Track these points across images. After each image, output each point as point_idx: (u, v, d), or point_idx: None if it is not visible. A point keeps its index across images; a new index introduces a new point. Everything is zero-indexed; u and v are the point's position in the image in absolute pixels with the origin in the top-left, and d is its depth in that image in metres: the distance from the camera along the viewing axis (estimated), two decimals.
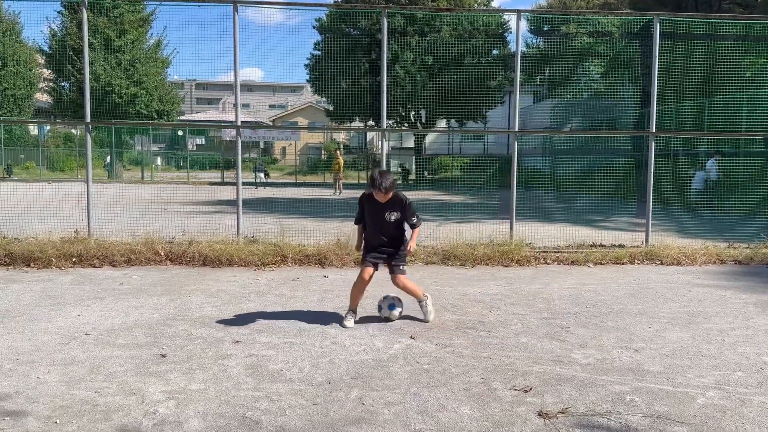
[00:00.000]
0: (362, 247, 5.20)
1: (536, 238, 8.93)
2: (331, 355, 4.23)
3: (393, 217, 4.98)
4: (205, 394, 3.52)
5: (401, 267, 5.12)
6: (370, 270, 5.03)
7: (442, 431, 3.10)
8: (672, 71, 13.03)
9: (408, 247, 5.06)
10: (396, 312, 5.17)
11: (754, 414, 3.35)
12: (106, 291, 6.08)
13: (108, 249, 7.56)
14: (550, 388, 3.68)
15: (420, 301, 5.20)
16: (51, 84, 31.91)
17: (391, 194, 4.90)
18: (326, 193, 22.04)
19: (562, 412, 3.32)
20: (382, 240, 5.05)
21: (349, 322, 5.01)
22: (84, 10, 8.26)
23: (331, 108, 32.75)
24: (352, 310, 5.13)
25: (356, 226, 5.27)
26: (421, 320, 5.15)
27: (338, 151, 25.82)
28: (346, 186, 23.90)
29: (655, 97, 8.78)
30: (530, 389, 3.65)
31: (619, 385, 3.75)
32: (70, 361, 4.02)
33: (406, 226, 5.12)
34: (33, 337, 4.53)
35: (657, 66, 8.75)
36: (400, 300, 5.23)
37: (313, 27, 30.57)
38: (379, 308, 5.20)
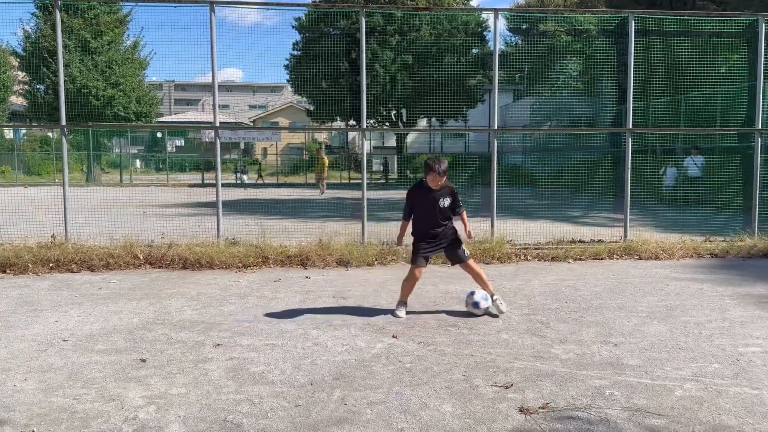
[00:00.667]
0: (412, 241, 5.34)
1: (517, 235, 8.99)
2: (313, 356, 4.22)
3: (447, 202, 5.23)
4: (186, 398, 3.50)
5: (466, 252, 5.39)
6: (423, 267, 5.31)
7: (424, 429, 3.11)
8: (648, 68, 13.18)
9: (468, 231, 5.37)
10: (488, 303, 5.32)
11: (730, 405, 3.41)
12: (85, 296, 6.00)
13: (86, 253, 7.46)
14: (530, 383, 3.71)
15: (492, 295, 5.36)
16: (26, 87, 31.37)
17: (442, 182, 5.16)
18: (307, 193, 21.97)
19: (543, 408, 3.35)
20: (437, 230, 5.25)
21: (402, 312, 5.29)
22: (58, 12, 8.14)
23: (311, 108, 32.68)
24: (404, 302, 5.37)
25: (402, 222, 5.39)
26: (494, 314, 5.33)
27: (321, 151, 25.70)
28: (328, 186, 23.82)
29: (632, 93, 8.89)
30: (511, 385, 3.68)
31: (599, 379, 3.79)
32: (48, 368, 3.97)
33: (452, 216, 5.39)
34: (9, 345, 4.46)
35: (633, 63, 8.86)
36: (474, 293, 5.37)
37: (293, 27, 30.51)
38: (475, 305, 5.30)
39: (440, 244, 5.30)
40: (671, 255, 8.26)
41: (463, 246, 5.40)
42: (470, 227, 5.42)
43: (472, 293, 5.32)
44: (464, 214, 5.42)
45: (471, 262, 5.37)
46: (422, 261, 5.28)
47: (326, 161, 23.60)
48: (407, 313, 5.36)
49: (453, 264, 5.55)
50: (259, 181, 31.66)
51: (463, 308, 5.53)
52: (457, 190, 5.34)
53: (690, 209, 13.92)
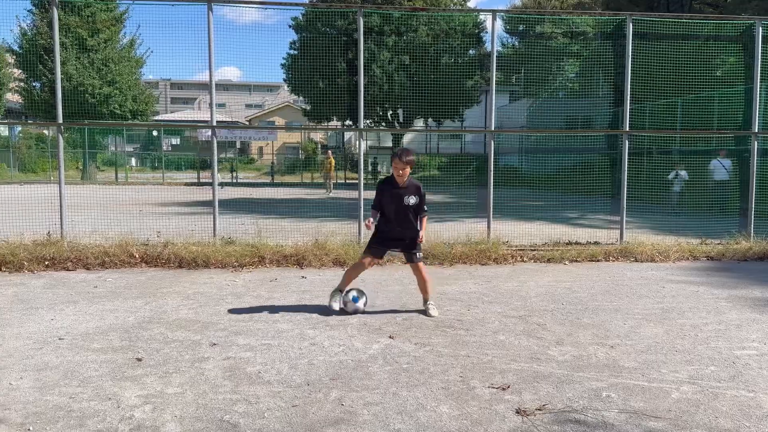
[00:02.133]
0: (370, 237, 5.39)
1: (513, 237, 9.00)
2: (309, 357, 4.21)
3: (412, 201, 5.20)
4: (182, 397, 3.48)
5: (419, 254, 5.34)
6: (374, 259, 5.33)
7: (421, 430, 3.11)
8: (645, 70, 13.21)
9: (420, 236, 5.28)
10: (360, 304, 5.34)
11: (726, 407, 3.41)
12: (80, 294, 5.98)
13: (82, 252, 7.44)
14: (527, 385, 3.71)
15: (426, 301, 5.39)
16: (22, 84, 31.21)
17: (409, 171, 5.17)
18: (304, 193, 21.96)
19: (540, 409, 3.35)
20: (399, 227, 5.24)
21: (336, 304, 5.27)
22: (54, 9, 8.10)
23: (308, 107, 32.62)
24: (340, 290, 5.33)
25: (372, 211, 5.37)
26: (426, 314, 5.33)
27: (330, 152, 26.12)
28: (322, 185, 24.01)
29: (629, 96, 8.91)
30: (508, 387, 3.68)
31: (596, 381, 3.79)
32: (43, 367, 3.95)
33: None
34: (4, 343, 4.43)
35: (630, 65, 8.88)
36: (362, 291, 5.45)
37: (290, 26, 30.44)
38: (344, 303, 5.33)
39: (399, 242, 5.32)
40: (667, 257, 8.28)
41: (420, 249, 5.39)
42: (423, 234, 5.35)
43: (347, 293, 5.37)
44: (425, 219, 5.39)
45: (422, 265, 5.37)
46: (377, 252, 5.33)
47: (333, 161, 24.04)
48: (404, 311, 5.36)
49: (405, 262, 5.59)
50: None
51: (458, 308, 5.54)
52: (425, 191, 5.33)
53: (691, 213, 13.94)
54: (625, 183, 8.94)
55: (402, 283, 6.66)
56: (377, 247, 5.36)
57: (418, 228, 5.32)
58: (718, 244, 8.92)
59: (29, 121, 33.77)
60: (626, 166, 8.93)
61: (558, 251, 8.31)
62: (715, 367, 4.08)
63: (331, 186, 23.08)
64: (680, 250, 8.49)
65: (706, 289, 6.54)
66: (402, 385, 3.70)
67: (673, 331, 4.91)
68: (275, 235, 8.44)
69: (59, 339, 4.54)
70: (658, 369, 4.02)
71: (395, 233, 5.29)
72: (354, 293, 5.39)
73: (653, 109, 17.89)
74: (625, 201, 8.97)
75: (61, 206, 8.11)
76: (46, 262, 7.21)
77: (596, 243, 8.87)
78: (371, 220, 5.28)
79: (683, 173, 15.49)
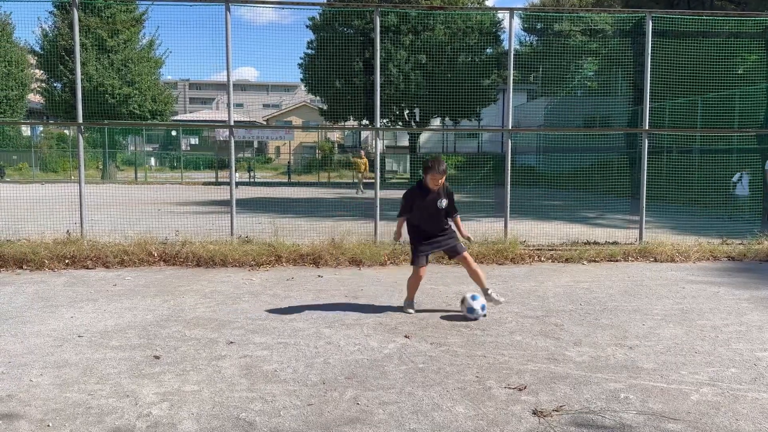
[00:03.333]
0: (411, 240, 5.45)
1: (531, 236, 8.94)
2: (325, 355, 4.22)
3: (444, 203, 5.34)
4: (199, 395, 3.51)
5: (461, 245, 5.48)
6: (425, 266, 5.43)
7: (436, 430, 3.10)
8: (665, 68, 13.05)
9: (463, 233, 5.50)
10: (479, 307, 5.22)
11: (747, 410, 3.36)
12: (99, 292, 6.05)
13: (101, 250, 7.53)
14: (544, 386, 3.69)
15: (487, 291, 5.44)
16: (43, 85, 31.69)
17: (442, 182, 5.32)
18: (320, 193, 22.01)
19: (557, 410, 3.32)
20: (436, 230, 5.40)
21: (411, 310, 5.44)
22: (75, 10, 8.21)
23: (325, 107, 32.70)
24: (411, 300, 5.50)
25: (399, 219, 5.52)
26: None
27: (362, 152, 25.87)
28: (344, 185, 23.92)
29: (648, 94, 8.80)
30: (525, 387, 3.65)
31: (614, 382, 3.75)
32: (63, 364, 4.00)
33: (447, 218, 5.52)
34: (25, 340, 4.50)
35: (650, 63, 8.78)
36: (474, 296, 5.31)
37: (307, 26, 30.53)
38: (471, 310, 5.20)
39: (440, 242, 5.44)
40: (687, 257, 8.17)
41: (460, 240, 5.52)
42: (466, 231, 5.55)
43: (463, 299, 5.28)
44: (458, 218, 5.54)
45: (467, 255, 5.48)
46: (423, 260, 5.41)
47: (366, 162, 23.93)
48: (418, 311, 5.36)
49: (450, 258, 5.68)
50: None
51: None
52: (453, 190, 5.47)
53: (708, 212, 13.72)
54: (645, 182, 8.84)
55: None
56: (425, 251, 5.43)
57: (452, 227, 5.51)
58: (740, 244, 8.78)
59: (50, 122, 34.26)
60: (646, 164, 8.82)
61: (576, 251, 8.24)
62: (736, 369, 4.01)
63: (362, 186, 22.72)
64: (701, 250, 8.37)
65: (726, 290, 6.45)
66: (418, 384, 3.70)
67: (693, 332, 4.84)
68: (292, 235, 8.47)
69: (79, 336, 4.60)
70: (678, 370, 3.97)
71: (432, 235, 5.41)
72: (472, 295, 5.29)
73: (673, 108, 17.67)
74: (644, 200, 8.87)
75: (81, 205, 8.22)
76: (67, 261, 7.31)
77: (615, 243, 8.78)
78: (401, 233, 5.52)
79: (747, 176, 13.85)
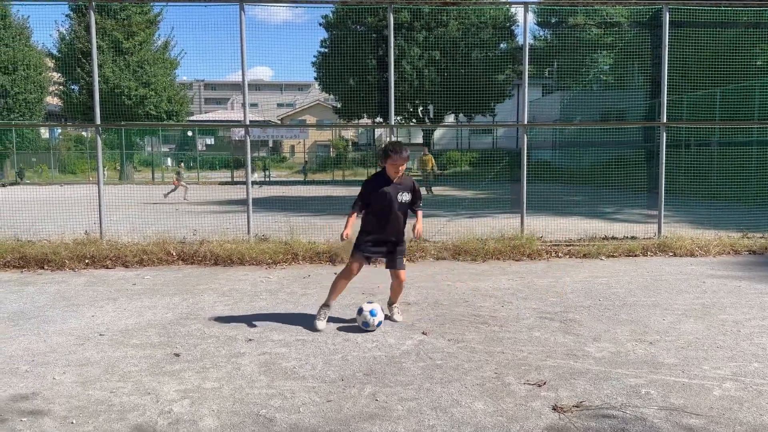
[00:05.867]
0: (358, 232, 4.87)
1: (547, 232, 8.88)
2: (343, 352, 4.23)
3: (405, 198, 4.77)
4: (219, 392, 3.54)
5: (403, 261, 4.95)
6: (362, 263, 4.83)
7: (455, 426, 3.09)
8: (682, 60, 12.89)
9: (417, 229, 4.87)
10: (379, 317, 4.72)
11: None
12: (119, 292, 6.12)
13: (120, 250, 7.61)
14: (564, 382, 3.66)
15: (392, 304, 5.08)
16: (61, 87, 32.12)
17: (403, 170, 4.72)
18: (336, 191, 22.04)
19: (577, 406, 3.30)
20: (390, 228, 4.78)
21: (321, 323, 4.78)
22: (92, 13, 8.29)
23: (339, 105, 32.76)
24: (327, 305, 4.89)
25: (350, 213, 4.82)
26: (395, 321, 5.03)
27: (426, 148, 24.97)
28: (357, 183, 23.76)
29: (666, 87, 8.70)
30: (544, 383, 3.63)
31: (634, 378, 3.72)
32: (85, 362, 4.05)
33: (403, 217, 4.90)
34: (48, 339, 4.57)
35: (667, 55, 8.67)
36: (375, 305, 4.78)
37: (320, 24, 30.61)
38: (365, 324, 4.70)
39: (387, 244, 4.83)
40: (707, 252, 8.07)
41: (404, 254, 4.96)
42: (421, 229, 4.94)
43: (360, 310, 4.73)
44: (420, 213, 5.01)
45: (403, 273, 4.92)
46: (363, 258, 4.81)
47: (431, 159, 22.39)
48: (439, 308, 5.34)
49: (386, 267, 4.97)
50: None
51: (492, 304, 5.50)
52: (419, 185, 4.99)
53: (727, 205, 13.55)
54: (663, 176, 8.74)
55: (434, 279, 6.64)
56: (368, 249, 4.82)
57: (406, 227, 4.94)
58: (761, 237, 8.66)
59: (68, 123, 34.68)
60: (664, 158, 8.72)
61: (594, 246, 8.17)
62: (759, 363, 3.96)
63: (431, 185, 21.00)
64: (721, 244, 8.26)
65: (748, 284, 6.36)
66: (436, 381, 3.69)
67: (715, 327, 4.78)
68: (307, 233, 8.50)
69: (100, 335, 4.66)
70: (699, 365, 3.92)
71: (385, 234, 4.80)
72: (371, 308, 4.72)
73: (691, 100, 17.45)
74: (663, 194, 8.77)
75: (100, 206, 8.31)
76: (87, 261, 7.40)
77: (633, 238, 8.70)
78: (349, 228, 4.74)
79: None
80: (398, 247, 4.86)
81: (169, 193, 18.45)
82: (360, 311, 4.73)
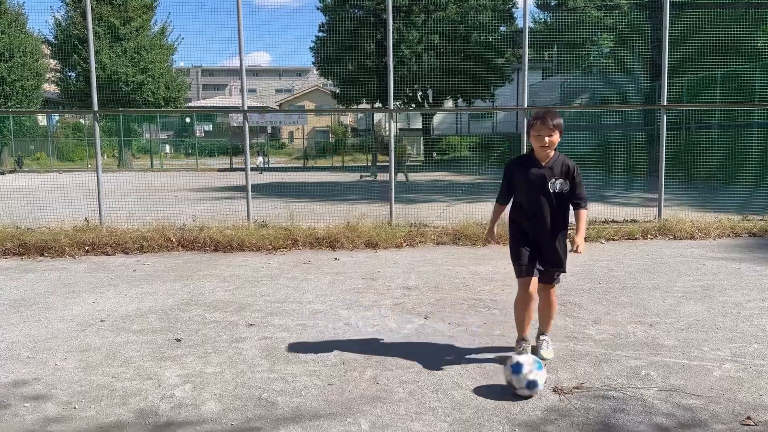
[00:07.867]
0: (511, 241, 3.71)
1: None
2: (344, 336, 4.24)
3: (558, 186, 3.57)
4: (221, 376, 3.55)
5: (559, 276, 3.79)
6: (533, 280, 3.60)
7: (456, 408, 3.11)
8: (683, 42, 12.80)
9: (576, 244, 3.49)
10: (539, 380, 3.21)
11: None
12: (120, 278, 6.12)
13: (120, 237, 7.61)
14: (564, 364, 3.68)
15: (542, 335, 3.88)
16: (58, 74, 31.92)
17: (555, 144, 3.54)
18: (336, 177, 22.00)
19: (577, 388, 3.32)
20: (541, 225, 3.61)
21: (524, 354, 3.43)
22: None
23: (337, 90, 32.61)
24: (524, 338, 3.73)
25: (495, 206, 3.85)
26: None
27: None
28: (356, 168, 23.73)
29: (666, 69, 8.64)
30: (545, 365, 3.63)
31: (634, 359, 3.73)
32: (87, 348, 4.06)
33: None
34: (49, 325, 4.58)
35: (668, 37, 8.60)
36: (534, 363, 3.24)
37: (318, 8, 30.36)
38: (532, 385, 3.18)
39: (546, 249, 3.64)
40: (707, 234, 8.07)
41: (564, 266, 3.75)
42: (582, 237, 3.54)
43: (509, 362, 3.28)
44: (584, 213, 3.65)
45: (554, 291, 3.85)
46: (526, 270, 3.60)
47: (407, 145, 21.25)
48: (440, 292, 5.34)
49: (539, 282, 3.69)
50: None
51: (492, 288, 5.50)
52: (581, 173, 3.65)
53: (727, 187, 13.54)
54: (663, 159, 8.72)
55: (434, 263, 6.65)
56: (526, 264, 3.61)
57: (565, 229, 3.68)
58: (761, 220, 8.66)
59: (66, 110, 34.55)
60: (664, 141, 8.69)
61: (594, 230, 8.17)
62: (759, 344, 3.97)
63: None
64: (721, 227, 8.26)
65: (748, 266, 6.37)
66: (437, 364, 3.70)
67: (715, 309, 4.80)
68: (307, 218, 8.49)
69: (101, 321, 4.67)
70: (699, 347, 3.94)
71: (538, 231, 3.64)
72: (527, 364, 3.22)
73: (691, 83, 17.36)
74: (663, 177, 8.75)
75: (99, 193, 8.30)
76: (87, 247, 7.40)
77: (633, 221, 8.70)
78: (494, 229, 3.87)
79: None
80: (557, 255, 3.67)
81: None
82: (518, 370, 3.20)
